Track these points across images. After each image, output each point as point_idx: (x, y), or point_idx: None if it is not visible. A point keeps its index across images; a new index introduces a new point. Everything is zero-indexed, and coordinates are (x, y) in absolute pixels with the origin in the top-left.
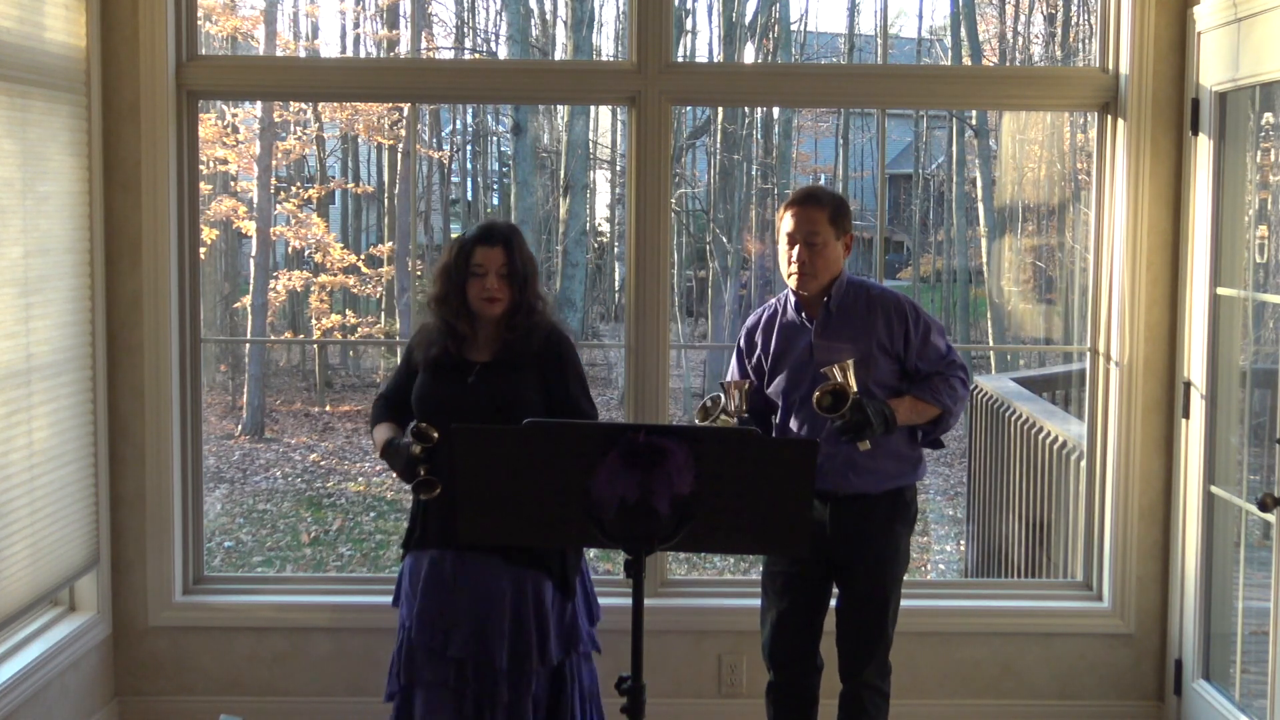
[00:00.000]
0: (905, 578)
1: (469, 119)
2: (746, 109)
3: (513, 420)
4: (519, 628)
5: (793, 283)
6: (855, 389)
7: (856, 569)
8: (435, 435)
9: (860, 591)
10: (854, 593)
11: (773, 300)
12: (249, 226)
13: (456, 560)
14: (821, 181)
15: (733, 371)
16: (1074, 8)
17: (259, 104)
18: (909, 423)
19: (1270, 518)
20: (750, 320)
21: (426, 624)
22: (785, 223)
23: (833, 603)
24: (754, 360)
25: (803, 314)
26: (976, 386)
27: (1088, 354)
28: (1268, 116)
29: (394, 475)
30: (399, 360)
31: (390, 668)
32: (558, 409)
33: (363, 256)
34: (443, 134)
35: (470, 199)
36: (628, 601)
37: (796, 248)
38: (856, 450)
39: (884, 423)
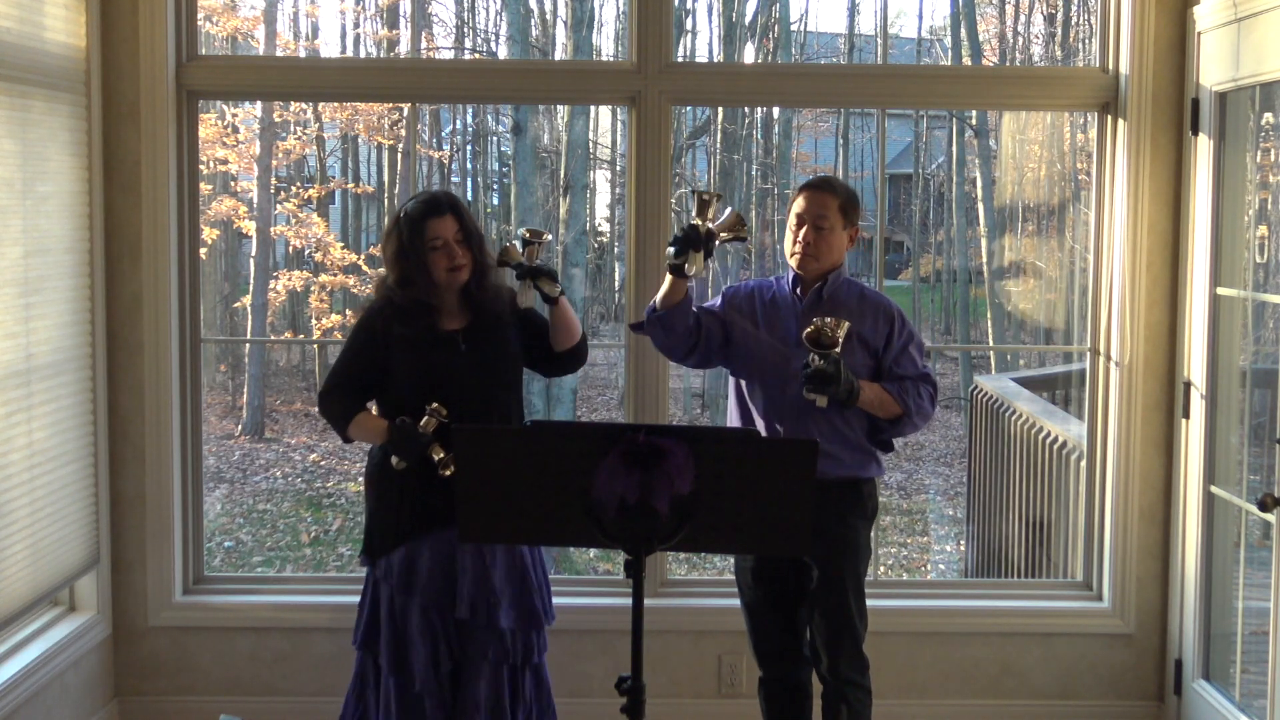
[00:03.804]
0: (905, 577)
1: (469, 119)
2: (746, 109)
3: (507, 377)
4: (541, 591)
5: (794, 262)
6: (840, 341)
7: (814, 561)
8: (445, 411)
9: (819, 584)
10: (814, 587)
11: (771, 278)
12: (249, 226)
13: None
14: None
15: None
16: (1074, 8)
17: (259, 104)
18: (869, 408)
19: (1270, 518)
20: (741, 283)
21: (466, 600)
22: (797, 204)
23: None
24: (736, 302)
25: (797, 291)
26: (976, 386)
27: (1088, 354)
28: (1268, 116)
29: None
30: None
31: (424, 655)
32: (539, 363)
33: (363, 256)
34: (443, 134)
35: (470, 199)
36: (628, 601)
37: (804, 228)
38: (814, 430)
39: (849, 391)
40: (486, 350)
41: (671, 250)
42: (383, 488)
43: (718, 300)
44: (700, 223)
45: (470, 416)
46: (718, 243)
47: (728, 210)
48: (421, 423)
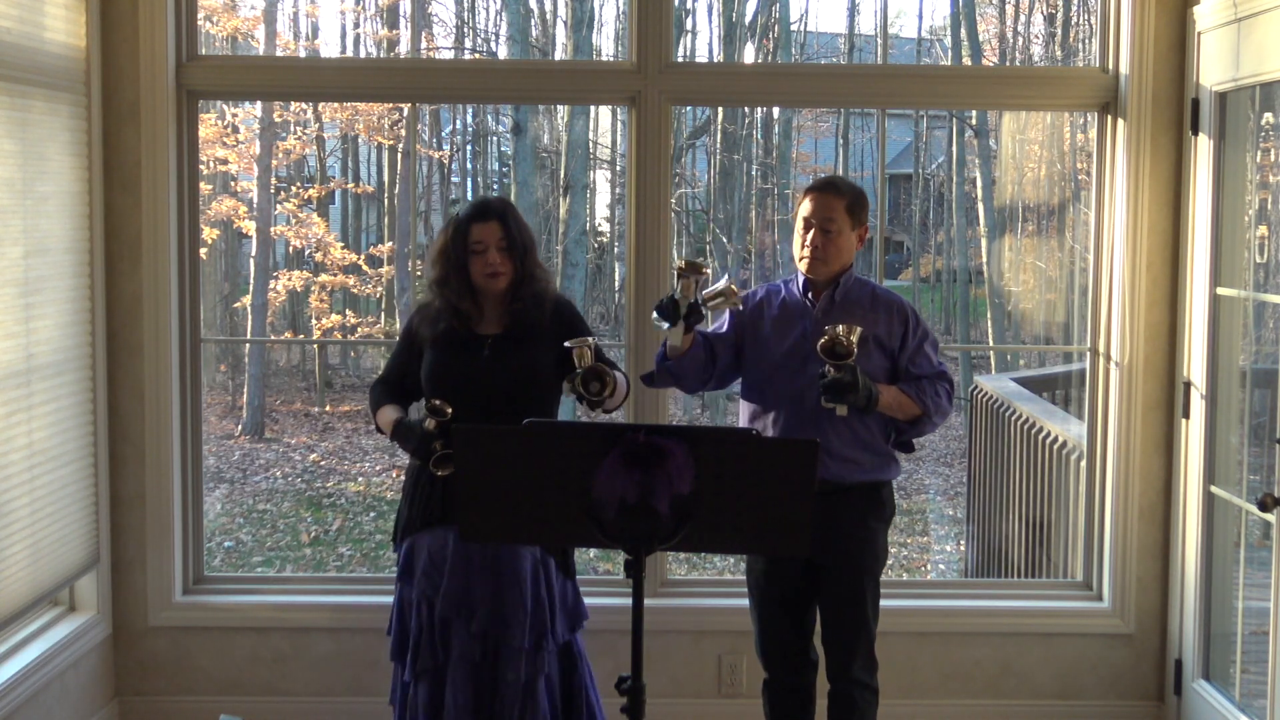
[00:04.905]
0: (905, 577)
1: (469, 119)
2: (746, 109)
3: (531, 391)
4: (538, 607)
5: (803, 266)
6: (855, 350)
7: (832, 563)
8: (449, 410)
9: (837, 586)
10: (831, 588)
11: (778, 281)
12: (249, 226)
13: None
14: None
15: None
16: (1074, 8)
17: (259, 104)
18: (888, 411)
19: (1270, 518)
20: (753, 290)
21: (453, 601)
22: (804, 207)
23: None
24: (743, 315)
25: (809, 295)
26: (976, 386)
27: (1088, 354)
28: (1268, 116)
29: (398, 467)
30: (398, 341)
31: (415, 642)
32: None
33: (363, 256)
34: (443, 134)
35: (470, 199)
36: (628, 601)
37: (812, 232)
38: (834, 435)
39: (868, 397)
40: (512, 359)
41: (655, 315)
42: (406, 481)
43: (725, 320)
44: (680, 296)
45: (492, 422)
46: (707, 309)
47: (724, 279)
48: (424, 421)
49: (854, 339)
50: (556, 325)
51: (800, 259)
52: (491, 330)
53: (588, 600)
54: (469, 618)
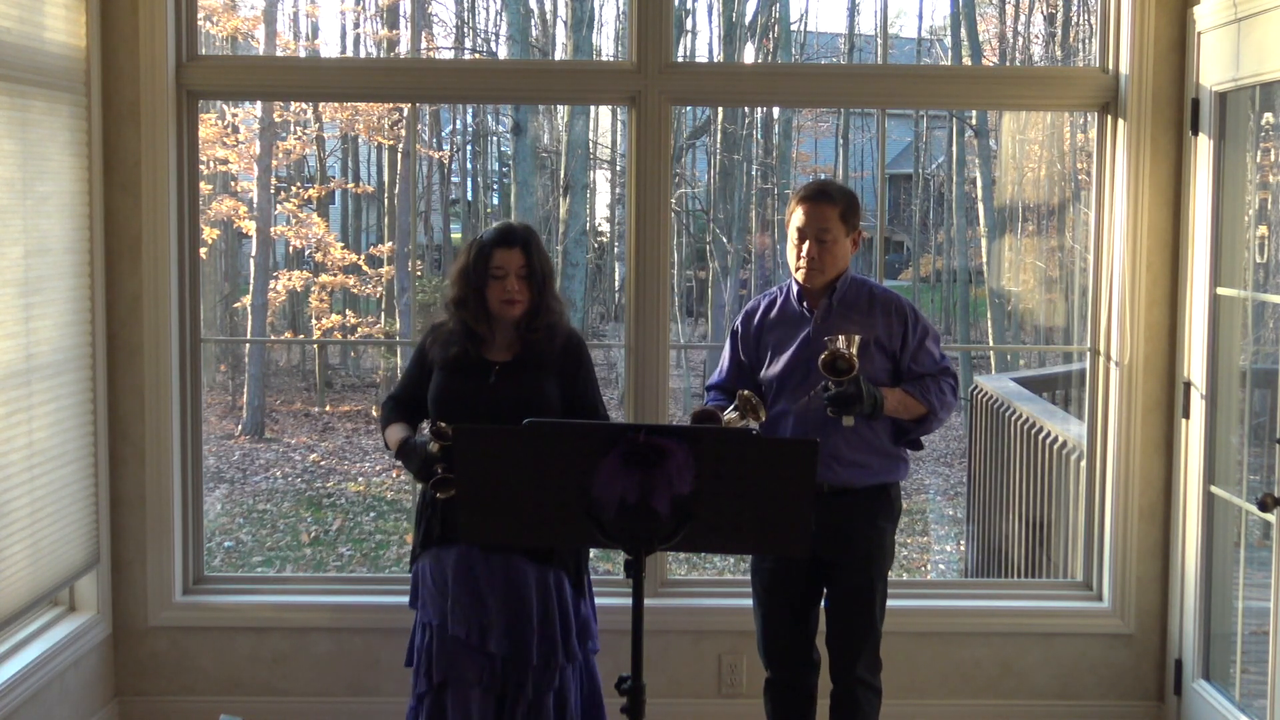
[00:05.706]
0: (905, 577)
1: (469, 119)
2: (746, 109)
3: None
4: (546, 624)
5: (800, 276)
6: (857, 363)
7: (842, 564)
8: (452, 433)
9: (846, 587)
10: (840, 589)
11: (774, 289)
12: (249, 226)
13: (483, 557)
14: None
15: (722, 365)
16: (1074, 8)
17: (259, 104)
18: (894, 414)
19: (1270, 518)
20: (750, 305)
21: (462, 620)
22: (796, 217)
23: (823, 602)
24: (749, 343)
25: (804, 304)
26: (976, 386)
27: (1088, 354)
28: (1268, 116)
29: (407, 475)
30: (406, 361)
31: (416, 666)
32: (577, 413)
33: (363, 256)
34: (443, 134)
35: (470, 199)
36: (628, 601)
37: (807, 243)
38: (841, 441)
39: (873, 404)
40: (518, 386)
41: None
42: (416, 505)
43: (726, 358)
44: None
45: None
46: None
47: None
48: (428, 443)
49: (854, 350)
50: (564, 358)
51: (796, 269)
52: (501, 356)
53: None
54: (482, 635)
